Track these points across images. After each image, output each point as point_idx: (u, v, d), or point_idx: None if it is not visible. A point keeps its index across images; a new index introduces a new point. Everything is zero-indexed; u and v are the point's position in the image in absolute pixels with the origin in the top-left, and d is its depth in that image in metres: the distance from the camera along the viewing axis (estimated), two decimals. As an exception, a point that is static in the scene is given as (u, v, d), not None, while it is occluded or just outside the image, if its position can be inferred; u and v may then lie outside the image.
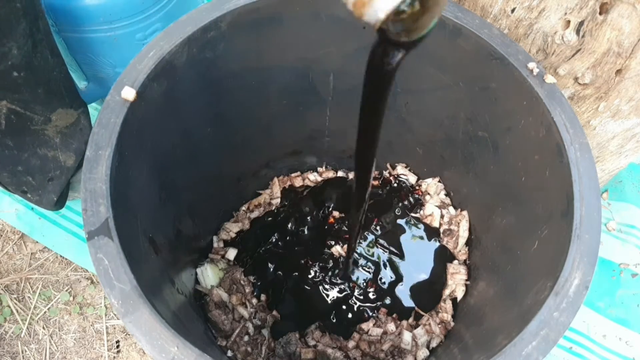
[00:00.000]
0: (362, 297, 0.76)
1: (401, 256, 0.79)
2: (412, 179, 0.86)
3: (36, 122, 0.69)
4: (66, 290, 0.93)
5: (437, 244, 0.80)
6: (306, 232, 0.82)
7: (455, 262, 0.78)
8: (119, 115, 0.49)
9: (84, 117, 0.78)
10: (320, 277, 0.78)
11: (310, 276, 0.78)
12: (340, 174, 0.92)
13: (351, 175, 0.90)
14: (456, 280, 0.76)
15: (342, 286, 0.77)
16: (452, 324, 0.73)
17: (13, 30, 0.58)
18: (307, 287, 0.77)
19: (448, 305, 0.75)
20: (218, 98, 0.66)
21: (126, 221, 0.48)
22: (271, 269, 0.79)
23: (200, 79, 0.61)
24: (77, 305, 0.92)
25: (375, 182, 0.88)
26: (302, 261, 0.79)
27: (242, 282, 0.77)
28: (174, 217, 0.67)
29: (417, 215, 0.83)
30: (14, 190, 0.76)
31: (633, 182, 1.03)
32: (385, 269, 0.79)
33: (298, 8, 0.60)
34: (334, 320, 0.75)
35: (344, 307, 0.76)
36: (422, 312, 0.75)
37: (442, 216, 0.82)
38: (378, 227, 0.81)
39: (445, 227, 0.81)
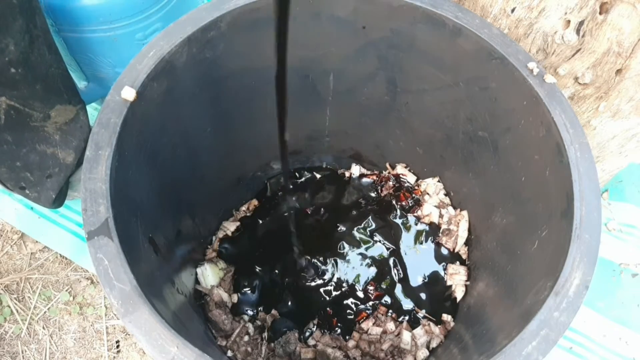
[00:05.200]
0: (361, 296, 0.76)
1: (400, 256, 0.79)
2: (411, 178, 0.86)
3: (35, 118, 0.69)
4: (66, 290, 0.93)
5: (436, 243, 0.80)
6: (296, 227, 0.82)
7: (455, 262, 0.78)
8: (119, 115, 0.49)
9: (83, 113, 0.78)
10: (318, 275, 0.78)
11: (307, 273, 0.78)
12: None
13: (348, 173, 0.90)
14: (455, 281, 0.76)
15: (342, 285, 0.77)
16: (452, 324, 0.73)
17: (9, 27, 0.58)
18: (305, 285, 0.77)
19: (448, 305, 0.75)
20: (218, 98, 0.66)
21: (126, 221, 0.48)
22: (263, 269, 0.79)
23: (200, 79, 0.61)
24: (77, 305, 0.92)
25: (374, 177, 0.88)
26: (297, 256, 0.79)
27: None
28: (174, 217, 0.67)
29: (416, 214, 0.83)
30: (12, 187, 0.76)
31: (633, 182, 1.03)
32: (384, 268, 0.78)
33: (298, 8, 0.60)
34: (334, 319, 0.75)
35: (343, 306, 0.76)
36: (423, 313, 0.75)
37: (441, 216, 0.82)
38: (377, 227, 0.81)
39: (444, 226, 0.81)
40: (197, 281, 0.76)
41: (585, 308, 0.90)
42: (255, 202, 0.87)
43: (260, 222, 0.84)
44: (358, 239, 0.80)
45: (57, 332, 0.90)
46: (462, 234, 0.78)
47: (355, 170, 0.90)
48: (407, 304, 0.76)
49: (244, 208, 0.87)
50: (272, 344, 0.72)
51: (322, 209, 0.84)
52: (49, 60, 0.68)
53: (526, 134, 0.58)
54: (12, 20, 0.59)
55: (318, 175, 0.91)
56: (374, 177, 0.88)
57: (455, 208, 0.82)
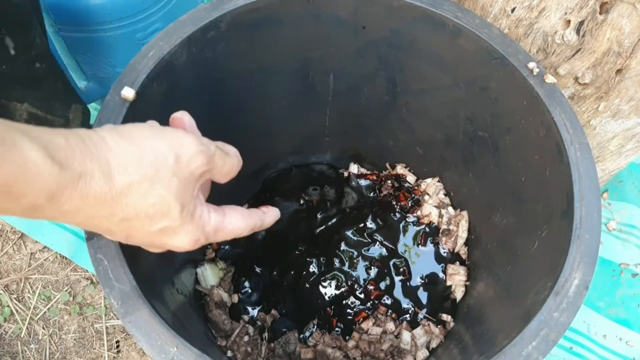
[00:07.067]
0: (361, 296, 0.76)
1: (400, 256, 0.79)
2: (411, 179, 0.86)
3: (57, 126, 0.68)
4: (66, 291, 0.93)
5: (436, 243, 0.80)
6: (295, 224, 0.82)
7: (455, 262, 0.78)
8: (119, 115, 0.49)
9: (85, 111, 0.77)
10: (318, 273, 0.78)
11: (306, 273, 0.78)
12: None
13: (346, 173, 0.90)
14: (455, 281, 0.76)
15: (341, 285, 0.77)
16: (452, 324, 0.73)
17: (32, 20, 0.58)
18: (305, 285, 0.77)
19: (447, 305, 0.75)
20: (217, 98, 0.66)
21: (126, 221, 0.48)
22: (263, 269, 0.78)
23: (200, 79, 0.61)
24: (76, 306, 0.92)
25: (374, 177, 0.88)
26: (297, 253, 0.79)
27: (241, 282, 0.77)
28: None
29: (416, 215, 0.83)
30: None
31: (633, 182, 1.03)
32: (384, 268, 0.78)
33: (298, 8, 0.60)
34: (334, 320, 0.75)
35: (343, 306, 0.76)
36: (423, 314, 0.75)
37: (441, 216, 0.82)
38: (376, 227, 0.81)
39: (444, 227, 0.81)
40: (197, 281, 0.76)
41: (585, 308, 0.90)
42: (251, 202, 0.87)
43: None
44: (357, 239, 0.80)
45: (57, 332, 0.90)
46: (462, 234, 0.78)
47: (354, 168, 0.90)
48: (407, 304, 0.76)
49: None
50: (272, 344, 0.72)
51: (320, 209, 0.84)
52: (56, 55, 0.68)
53: (526, 134, 0.58)
54: (34, 13, 0.59)
55: (317, 174, 0.90)
56: (373, 178, 0.88)
57: (455, 208, 0.82)
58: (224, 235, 0.40)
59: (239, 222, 0.41)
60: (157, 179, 0.33)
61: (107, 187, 0.31)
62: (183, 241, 0.37)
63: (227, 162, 0.41)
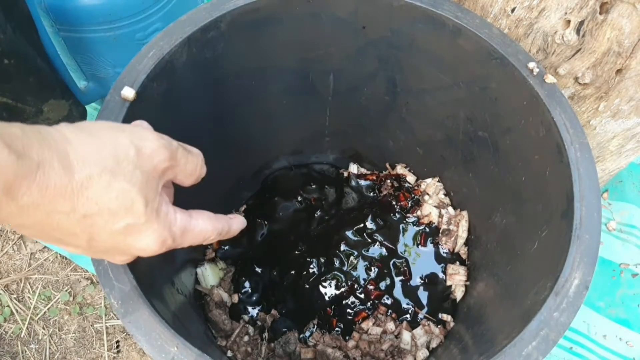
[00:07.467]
0: (361, 296, 0.76)
1: (399, 256, 0.79)
2: (411, 179, 0.86)
3: (28, 114, 0.68)
4: (66, 291, 0.93)
5: (436, 244, 0.80)
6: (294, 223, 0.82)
7: (455, 262, 0.78)
8: (119, 115, 0.49)
9: (75, 108, 0.77)
10: (318, 273, 0.78)
11: (306, 273, 0.78)
12: (340, 174, 0.92)
13: (346, 173, 0.90)
14: (455, 281, 0.76)
15: (341, 285, 0.77)
16: (452, 324, 0.73)
17: None
18: (305, 285, 0.77)
19: (447, 305, 0.75)
20: (218, 98, 0.66)
21: (126, 221, 0.48)
22: (263, 269, 0.78)
23: (200, 79, 0.61)
24: (77, 305, 0.92)
25: (373, 178, 0.88)
26: (297, 253, 0.79)
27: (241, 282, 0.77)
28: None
29: (416, 215, 0.83)
30: None
31: (633, 182, 1.03)
32: (384, 268, 0.78)
33: (298, 8, 0.60)
34: (334, 320, 0.75)
35: (343, 306, 0.76)
36: (423, 314, 0.75)
37: (441, 216, 0.82)
38: (376, 227, 0.81)
39: (444, 227, 0.81)
40: (197, 281, 0.76)
41: (585, 308, 0.90)
42: (251, 202, 0.87)
43: (259, 221, 0.84)
44: (357, 239, 0.80)
45: (57, 332, 0.90)
46: (462, 234, 0.78)
47: (354, 168, 0.90)
48: (407, 304, 0.76)
49: (243, 208, 0.87)
50: (272, 344, 0.72)
51: (320, 208, 0.84)
52: (35, 52, 0.67)
53: (526, 134, 0.58)
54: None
55: (317, 174, 0.90)
56: (373, 178, 0.88)
57: (455, 208, 0.82)
58: (192, 237, 0.39)
59: (206, 224, 0.40)
60: (119, 172, 0.32)
61: (66, 179, 0.30)
62: (149, 240, 0.35)
63: (190, 160, 0.40)
